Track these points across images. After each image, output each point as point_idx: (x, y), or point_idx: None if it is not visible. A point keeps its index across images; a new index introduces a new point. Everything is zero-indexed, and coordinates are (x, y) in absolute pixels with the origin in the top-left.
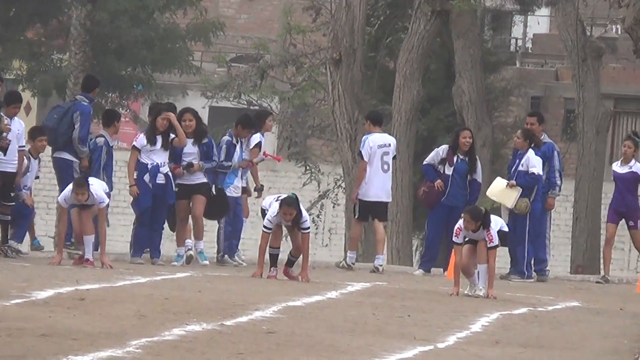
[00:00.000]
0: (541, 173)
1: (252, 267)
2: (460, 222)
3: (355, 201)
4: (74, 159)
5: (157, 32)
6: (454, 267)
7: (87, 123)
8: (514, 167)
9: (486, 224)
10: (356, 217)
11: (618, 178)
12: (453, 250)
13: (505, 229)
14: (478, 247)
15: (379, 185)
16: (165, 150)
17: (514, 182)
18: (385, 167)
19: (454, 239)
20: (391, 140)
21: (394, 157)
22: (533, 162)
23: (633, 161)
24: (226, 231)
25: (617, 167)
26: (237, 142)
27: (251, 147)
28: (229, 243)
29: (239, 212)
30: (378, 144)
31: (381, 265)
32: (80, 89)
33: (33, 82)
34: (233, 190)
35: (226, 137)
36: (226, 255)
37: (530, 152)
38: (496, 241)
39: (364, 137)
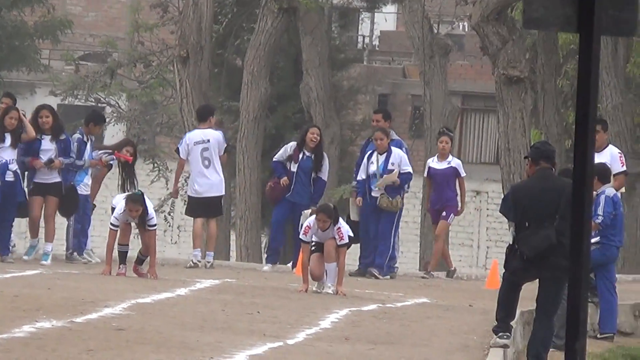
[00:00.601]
0: (412, 170)
1: (102, 264)
2: (309, 221)
3: (176, 197)
4: None
5: (4, 30)
6: (301, 264)
7: None
8: (382, 165)
9: (336, 220)
10: (185, 213)
11: (436, 174)
12: (301, 248)
13: (351, 234)
14: (325, 247)
15: (202, 181)
16: (14, 148)
17: (397, 179)
18: (207, 162)
19: (301, 236)
20: (212, 135)
21: (227, 150)
22: (406, 161)
23: (450, 156)
24: (75, 228)
25: (435, 164)
26: (87, 139)
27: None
28: (78, 240)
29: (87, 210)
30: (195, 140)
31: (199, 262)
32: None
33: None
34: (83, 188)
35: (77, 135)
36: (75, 253)
37: (399, 151)
38: (346, 239)
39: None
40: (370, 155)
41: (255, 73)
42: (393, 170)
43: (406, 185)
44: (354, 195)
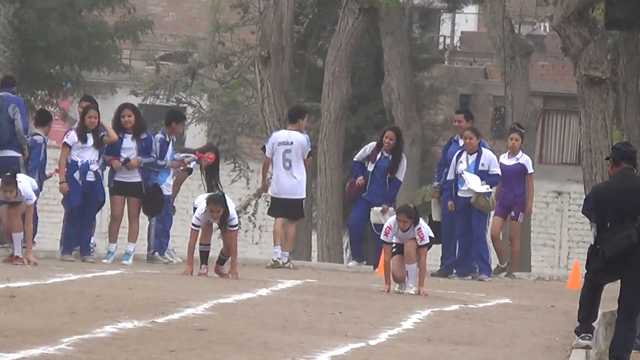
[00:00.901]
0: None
1: (183, 264)
2: (390, 221)
3: (265, 191)
4: (18, 154)
5: (85, 30)
6: (384, 265)
7: (24, 112)
8: (473, 165)
9: (416, 221)
10: (267, 212)
11: (505, 170)
12: (383, 249)
13: (432, 234)
14: (405, 248)
15: (282, 182)
16: (96, 147)
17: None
18: (287, 164)
19: (382, 237)
20: (296, 137)
21: (309, 155)
22: (495, 163)
23: (520, 153)
24: (157, 228)
25: (505, 160)
26: (169, 139)
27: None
28: (159, 240)
29: (169, 210)
30: (279, 140)
31: (279, 259)
32: (1, 86)
33: None
34: (165, 188)
35: (159, 135)
36: (157, 253)
37: (489, 152)
38: (427, 239)
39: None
40: (460, 154)
41: (337, 73)
42: (483, 171)
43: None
44: (436, 196)
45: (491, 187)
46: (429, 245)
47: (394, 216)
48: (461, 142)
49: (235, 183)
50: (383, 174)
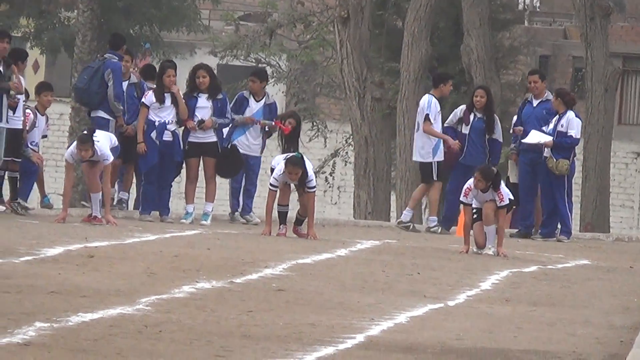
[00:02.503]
0: (579, 137)
1: (262, 225)
2: (470, 182)
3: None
4: (110, 118)
5: None
6: (463, 226)
7: (119, 79)
8: (552, 127)
9: (496, 185)
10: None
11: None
12: (462, 209)
13: (511, 197)
14: (484, 210)
15: (414, 146)
16: (175, 107)
17: (550, 140)
18: (417, 126)
19: (462, 198)
20: (422, 101)
21: (427, 117)
22: (573, 125)
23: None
24: (232, 187)
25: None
26: (250, 95)
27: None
28: (237, 200)
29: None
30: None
31: (432, 227)
32: (108, 47)
33: (41, 39)
34: (245, 146)
35: (240, 93)
36: (236, 213)
37: (571, 114)
38: (507, 201)
39: None
40: (554, 114)
41: (416, 34)
42: (561, 132)
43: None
44: (513, 158)
45: (567, 148)
46: (509, 207)
47: (472, 178)
48: (535, 103)
49: (314, 143)
50: (480, 136)
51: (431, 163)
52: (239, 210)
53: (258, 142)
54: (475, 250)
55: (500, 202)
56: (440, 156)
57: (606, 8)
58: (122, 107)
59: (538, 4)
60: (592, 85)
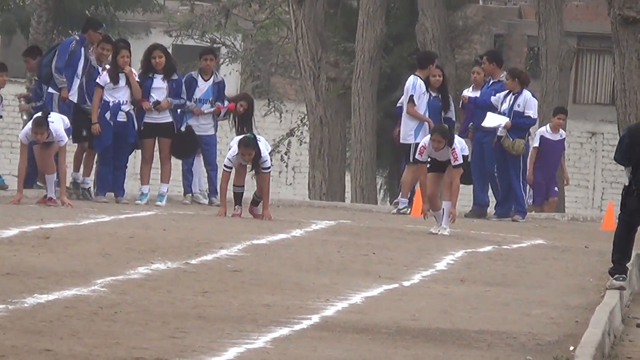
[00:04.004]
0: (536, 117)
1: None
2: (425, 141)
3: None
4: (54, 91)
5: None
6: (420, 185)
7: (63, 54)
8: (508, 106)
9: (451, 142)
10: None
11: (472, 103)
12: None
13: (467, 152)
14: (443, 184)
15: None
16: (129, 88)
17: (508, 121)
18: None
19: (417, 156)
20: (407, 82)
21: (411, 98)
22: (530, 105)
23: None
24: (183, 169)
25: (470, 93)
26: (197, 75)
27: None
28: (188, 181)
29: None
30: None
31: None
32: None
33: None
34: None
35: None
36: (196, 193)
37: (528, 94)
38: (460, 159)
39: None
40: (507, 95)
41: (371, 13)
42: (518, 112)
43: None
44: (469, 136)
45: (524, 129)
46: (462, 165)
47: (428, 136)
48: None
49: (269, 123)
50: (437, 114)
51: (410, 145)
52: (200, 190)
53: (208, 120)
54: (431, 230)
55: (454, 162)
56: (421, 138)
57: None
58: (63, 79)
59: None
60: (546, 64)
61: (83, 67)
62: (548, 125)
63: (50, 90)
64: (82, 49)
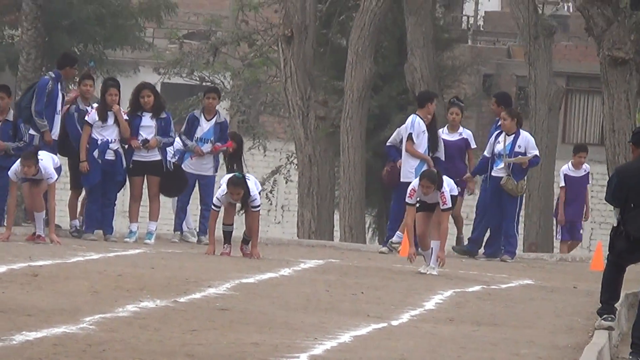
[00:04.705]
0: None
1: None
2: (414, 184)
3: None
4: (35, 134)
5: (108, 9)
6: (406, 228)
7: (41, 95)
8: (503, 147)
9: (440, 186)
10: None
11: (449, 146)
12: (406, 211)
13: (455, 193)
14: (432, 224)
15: None
16: (117, 126)
17: (525, 158)
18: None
19: (407, 199)
20: (408, 120)
21: (409, 136)
22: (532, 144)
23: (461, 128)
24: (177, 207)
25: (446, 135)
26: (200, 115)
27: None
28: (179, 219)
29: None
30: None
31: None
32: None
33: None
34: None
35: (192, 113)
36: (185, 231)
37: (526, 134)
38: (449, 203)
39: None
40: (498, 135)
41: (360, 52)
42: (520, 153)
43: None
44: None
45: (524, 171)
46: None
47: (417, 179)
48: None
49: (257, 162)
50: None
51: (409, 183)
52: (188, 228)
53: (208, 160)
54: (420, 270)
55: (443, 205)
56: None
57: (550, 27)
58: (45, 123)
59: (482, 23)
60: (535, 104)
61: (61, 102)
62: (570, 163)
63: (32, 132)
64: (58, 85)
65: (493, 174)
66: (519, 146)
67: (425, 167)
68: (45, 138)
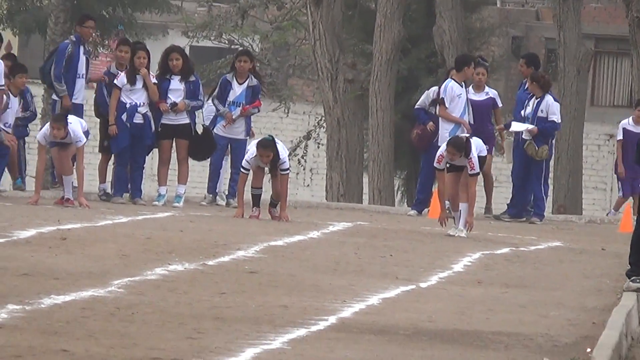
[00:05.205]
0: (560, 120)
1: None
2: (442, 149)
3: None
4: (56, 98)
5: None
6: (437, 192)
7: (59, 60)
8: (531, 110)
9: (467, 153)
10: None
11: (476, 105)
12: (436, 175)
13: (484, 153)
14: (460, 186)
15: None
16: (146, 90)
17: (534, 127)
18: None
19: (435, 164)
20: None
21: (441, 101)
22: (553, 109)
23: (486, 87)
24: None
25: (473, 95)
26: (232, 78)
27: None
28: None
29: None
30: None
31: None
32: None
33: (14, 21)
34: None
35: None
36: (219, 195)
37: (550, 99)
38: (477, 169)
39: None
40: (530, 97)
41: (389, 15)
42: (542, 117)
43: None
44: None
45: (549, 134)
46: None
47: (444, 144)
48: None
49: (286, 125)
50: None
51: None
52: (220, 192)
53: (240, 124)
54: (449, 232)
55: (471, 170)
56: None
57: None
58: (63, 88)
59: None
60: (564, 66)
61: (85, 66)
62: (630, 118)
63: (54, 97)
64: (80, 49)
65: (523, 136)
66: (541, 110)
67: (460, 130)
68: (64, 103)
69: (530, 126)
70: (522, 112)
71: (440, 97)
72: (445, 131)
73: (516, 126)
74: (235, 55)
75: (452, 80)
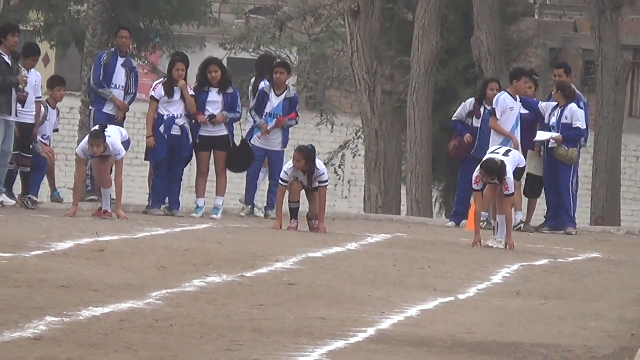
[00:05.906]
0: (585, 126)
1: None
2: (477, 171)
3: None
4: (112, 113)
5: None
6: (474, 214)
7: (97, 67)
8: (555, 119)
9: (501, 177)
10: None
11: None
12: (473, 197)
13: (522, 164)
14: (497, 198)
15: None
16: (183, 101)
17: (559, 135)
18: None
19: (473, 185)
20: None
21: (492, 112)
22: (577, 116)
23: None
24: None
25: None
26: (270, 90)
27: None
28: (249, 194)
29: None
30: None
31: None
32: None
33: (51, 33)
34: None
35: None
36: (256, 207)
37: (574, 106)
38: (512, 189)
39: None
40: (555, 107)
41: (426, 26)
42: (566, 124)
43: (582, 140)
44: (536, 149)
45: (574, 140)
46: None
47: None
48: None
49: (324, 136)
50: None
51: (477, 159)
52: (257, 204)
53: (276, 135)
54: (487, 243)
55: (505, 191)
56: None
57: (616, 0)
58: (107, 91)
59: None
60: (602, 78)
61: (125, 78)
62: None
63: (106, 110)
64: (118, 59)
65: (550, 145)
66: (565, 117)
67: (509, 145)
68: (116, 103)
69: (555, 134)
70: (547, 120)
71: (492, 107)
72: (495, 143)
73: (541, 135)
74: (272, 67)
75: (506, 92)
